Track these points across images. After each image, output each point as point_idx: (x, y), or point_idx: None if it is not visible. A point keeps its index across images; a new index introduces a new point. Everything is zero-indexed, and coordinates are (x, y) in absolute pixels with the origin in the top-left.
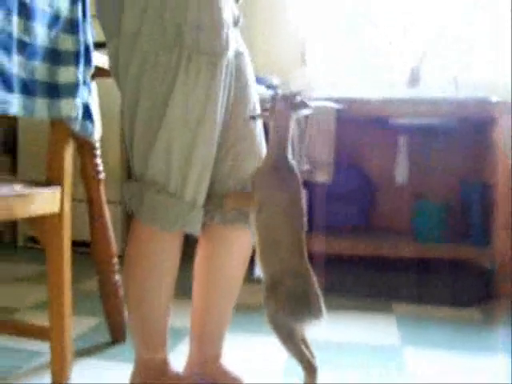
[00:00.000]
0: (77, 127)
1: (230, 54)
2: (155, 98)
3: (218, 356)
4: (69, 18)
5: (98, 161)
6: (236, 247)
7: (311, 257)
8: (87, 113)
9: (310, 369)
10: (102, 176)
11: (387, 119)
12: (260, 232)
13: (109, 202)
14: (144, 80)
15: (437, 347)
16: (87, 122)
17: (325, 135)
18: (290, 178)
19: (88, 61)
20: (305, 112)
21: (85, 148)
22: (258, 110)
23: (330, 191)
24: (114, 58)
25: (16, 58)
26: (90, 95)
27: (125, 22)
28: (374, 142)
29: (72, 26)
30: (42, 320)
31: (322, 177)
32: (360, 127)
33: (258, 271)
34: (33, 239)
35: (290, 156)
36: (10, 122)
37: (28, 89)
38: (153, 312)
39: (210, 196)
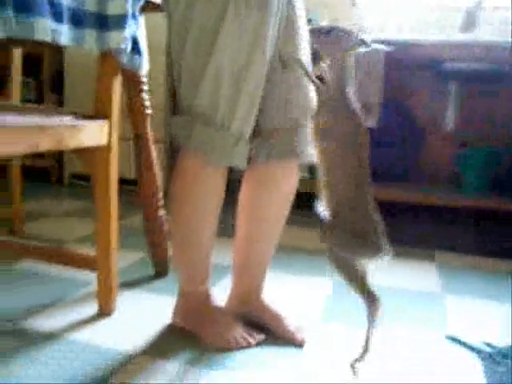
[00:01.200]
0: (125, 60)
1: None
2: (206, 27)
3: (258, 291)
4: None
5: (145, 96)
6: (281, 184)
7: None
8: (136, 46)
9: (373, 303)
10: (148, 111)
11: (439, 64)
12: (323, 163)
13: (157, 140)
14: (195, 9)
15: (476, 296)
16: (135, 56)
17: (373, 78)
18: (352, 111)
19: None
20: (364, 50)
21: (132, 83)
22: (309, 53)
23: (377, 136)
24: None
25: None
26: (139, 29)
27: None
28: (423, 87)
29: None
30: (88, 252)
31: (369, 120)
32: (410, 71)
33: (320, 207)
34: (78, 177)
35: (353, 91)
36: (57, 61)
37: (77, 19)
38: (197, 246)
39: (255, 130)
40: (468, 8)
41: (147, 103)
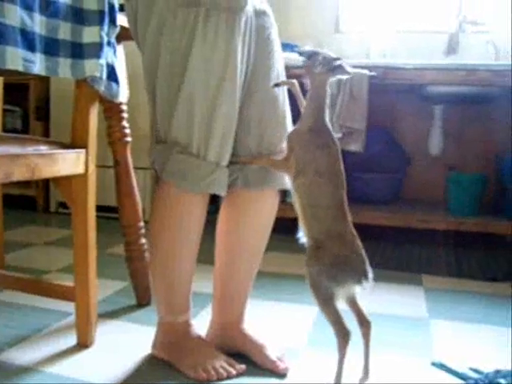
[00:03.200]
0: (101, 88)
1: (249, 10)
2: (174, 57)
3: (239, 320)
4: None
5: (125, 124)
6: (260, 211)
7: None
8: (112, 74)
9: (342, 337)
10: (128, 139)
11: (422, 87)
12: (300, 196)
13: (138, 167)
14: (163, 40)
15: (464, 320)
16: (112, 83)
17: (357, 103)
18: (328, 141)
19: (113, 21)
20: (343, 76)
21: (112, 111)
22: (283, 77)
23: (362, 160)
24: (132, 19)
25: (38, 17)
26: (115, 56)
27: None
28: (408, 111)
29: None
30: (68, 283)
31: (354, 145)
32: (394, 95)
33: (301, 235)
34: (64, 205)
35: (327, 119)
36: (43, 90)
37: (51, 48)
38: (177, 274)
39: (233, 158)
40: (450, 33)
41: (127, 131)
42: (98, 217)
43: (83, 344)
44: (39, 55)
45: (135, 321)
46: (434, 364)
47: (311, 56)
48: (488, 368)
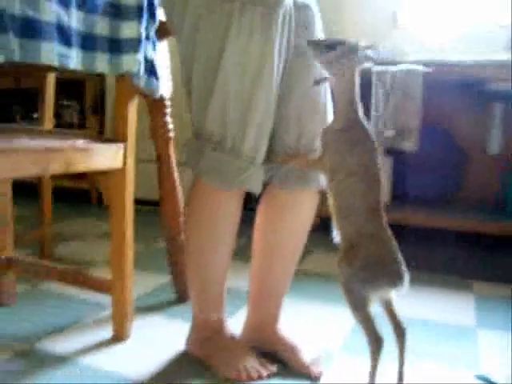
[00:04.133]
0: (141, 83)
1: (288, 3)
2: (210, 52)
3: (274, 320)
4: None
5: (168, 119)
6: (298, 211)
7: (394, 229)
8: (152, 69)
9: (374, 343)
10: (171, 135)
11: (481, 84)
12: (335, 196)
13: (181, 163)
14: (198, 35)
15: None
16: (152, 79)
17: (411, 100)
18: (362, 139)
19: (152, 16)
20: (369, 64)
21: (155, 106)
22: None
23: (417, 160)
24: (169, 14)
25: (75, 12)
26: (155, 51)
27: None
28: (466, 108)
29: None
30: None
31: (408, 144)
32: (451, 93)
33: (336, 235)
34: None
35: (361, 114)
36: (99, 85)
37: (88, 43)
38: (210, 271)
39: (270, 155)
40: None
41: (170, 126)
42: (146, 210)
43: (119, 337)
44: (76, 50)
45: (173, 316)
46: (477, 377)
47: (334, 46)
48: None
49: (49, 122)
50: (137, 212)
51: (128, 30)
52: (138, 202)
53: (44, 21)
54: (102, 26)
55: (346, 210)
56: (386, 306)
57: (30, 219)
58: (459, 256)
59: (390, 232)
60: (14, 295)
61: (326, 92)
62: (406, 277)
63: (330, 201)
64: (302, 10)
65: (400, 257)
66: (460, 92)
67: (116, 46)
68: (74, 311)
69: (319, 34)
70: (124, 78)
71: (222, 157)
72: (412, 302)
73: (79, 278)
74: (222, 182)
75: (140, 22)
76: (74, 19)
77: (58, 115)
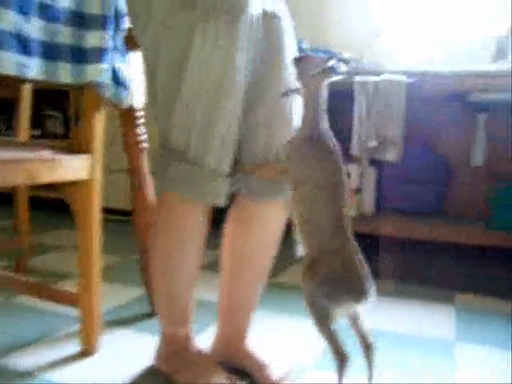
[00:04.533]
0: (108, 94)
1: (255, 12)
2: (172, 62)
3: (243, 335)
4: None
5: (141, 130)
6: (266, 223)
7: (377, 240)
8: (120, 79)
9: (340, 360)
10: (144, 145)
11: (465, 95)
12: (297, 209)
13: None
14: (161, 46)
15: (494, 345)
16: (120, 89)
17: (393, 111)
18: (326, 151)
19: (118, 25)
20: (337, 77)
21: (127, 117)
22: (294, 83)
23: (401, 171)
24: (133, 25)
25: (36, 21)
26: (124, 61)
27: None
28: (450, 119)
29: None
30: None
31: (391, 155)
32: (435, 104)
33: (300, 249)
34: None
35: (326, 125)
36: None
37: (49, 53)
38: (176, 285)
39: (238, 165)
40: (499, 37)
41: (143, 137)
42: (125, 220)
43: (87, 351)
44: (36, 59)
45: (145, 330)
46: None
47: (301, 60)
48: None
49: (24, 133)
50: (115, 222)
51: (92, 39)
52: (114, 212)
53: (2, 30)
54: (64, 35)
55: (310, 224)
56: (353, 320)
57: (7, 229)
58: (442, 268)
59: (355, 246)
60: None
61: (295, 102)
62: (371, 291)
63: (293, 213)
64: (270, 18)
65: (365, 271)
66: (444, 103)
67: (80, 56)
68: (47, 324)
69: (290, 45)
70: (90, 88)
71: (186, 168)
72: (390, 314)
73: (45, 291)
74: (186, 193)
75: (105, 32)
76: (35, 28)
77: (41, 125)
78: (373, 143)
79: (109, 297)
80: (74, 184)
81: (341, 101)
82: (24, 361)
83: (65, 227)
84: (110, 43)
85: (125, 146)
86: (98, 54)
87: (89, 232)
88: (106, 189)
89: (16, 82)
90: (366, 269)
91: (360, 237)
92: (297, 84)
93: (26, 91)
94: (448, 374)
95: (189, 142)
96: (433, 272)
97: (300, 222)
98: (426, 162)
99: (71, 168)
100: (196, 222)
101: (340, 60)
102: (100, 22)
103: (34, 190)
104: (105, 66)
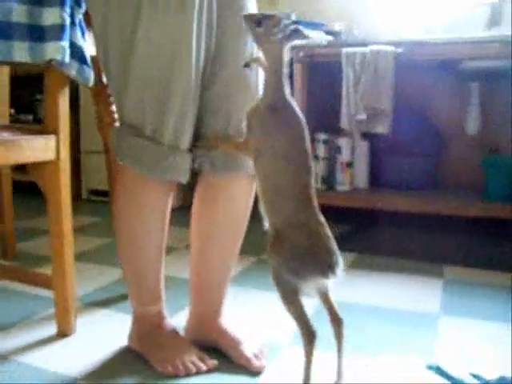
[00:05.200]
0: (72, 72)
1: None
2: (122, 35)
3: (216, 313)
4: None
5: (114, 108)
6: (232, 198)
7: (370, 214)
8: (82, 57)
9: (307, 336)
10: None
11: (456, 63)
12: (261, 180)
13: None
14: (110, 15)
15: (480, 318)
16: (84, 67)
17: (382, 82)
18: (289, 119)
19: (77, 1)
20: (300, 41)
21: (99, 95)
22: (255, 52)
23: (394, 143)
24: None
25: None
26: (84, 38)
27: None
28: (441, 89)
29: None
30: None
31: (381, 127)
32: (426, 73)
33: (265, 223)
34: (96, 192)
35: (288, 92)
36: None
37: (3, 32)
38: (142, 263)
39: (198, 140)
40: (493, 3)
41: (116, 115)
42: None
43: (62, 333)
44: None
45: (123, 310)
46: (429, 367)
47: (261, 22)
48: (492, 374)
49: (4, 116)
50: (101, 204)
51: (50, 16)
52: (99, 193)
53: None
54: (19, 14)
55: (273, 197)
56: (322, 296)
57: None
58: (435, 241)
59: (322, 220)
60: None
61: (257, 72)
62: (339, 265)
63: (257, 185)
64: None
65: (332, 245)
66: (435, 72)
67: (38, 34)
68: (27, 307)
69: (251, 8)
70: (52, 68)
71: (143, 143)
72: (376, 288)
73: (23, 275)
74: (144, 169)
75: (63, 8)
76: None
77: (32, 111)
78: (362, 116)
79: (95, 278)
80: (40, 165)
81: (331, 73)
82: (0, 343)
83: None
84: (69, 20)
85: (98, 125)
86: (57, 31)
87: (59, 214)
88: (87, 171)
89: None
90: (333, 243)
91: (354, 211)
92: (256, 49)
93: (4, 73)
94: (428, 346)
95: (144, 118)
96: (424, 245)
97: (264, 194)
98: (419, 133)
99: (34, 150)
100: (157, 199)
101: (329, 32)
102: None
103: (19, 174)
104: (64, 43)
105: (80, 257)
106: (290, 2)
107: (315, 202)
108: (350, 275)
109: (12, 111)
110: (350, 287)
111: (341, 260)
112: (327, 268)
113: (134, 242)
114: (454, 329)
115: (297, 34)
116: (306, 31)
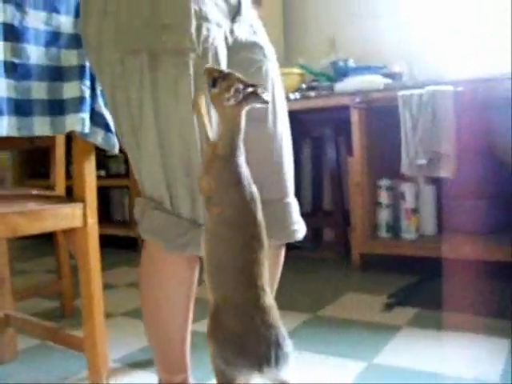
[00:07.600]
0: (98, 140)
1: (220, 46)
2: (131, 109)
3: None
4: (71, 34)
5: None
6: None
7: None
8: (107, 124)
9: None
10: None
11: None
12: (206, 247)
13: None
14: (117, 92)
15: None
16: (109, 134)
17: (442, 124)
18: (236, 187)
19: None
20: (259, 105)
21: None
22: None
23: (461, 186)
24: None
25: (5, 81)
26: (106, 105)
27: (87, 31)
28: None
29: (75, 41)
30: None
31: (444, 171)
32: (491, 111)
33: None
34: None
35: (241, 157)
36: None
37: (22, 109)
38: (168, 335)
39: None
40: None
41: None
42: None
43: None
44: (7, 118)
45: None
46: None
47: (216, 82)
48: None
49: (60, 183)
50: None
51: (70, 90)
52: None
53: None
54: (38, 91)
55: (214, 270)
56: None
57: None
58: (506, 294)
59: (268, 303)
60: (15, 351)
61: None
62: (278, 358)
63: (202, 240)
64: (249, 48)
65: (272, 334)
66: (503, 109)
67: (58, 108)
68: (66, 367)
69: (273, 71)
70: (76, 137)
71: (163, 217)
72: (435, 351)
73: (54, 335)
74: (164, 244)
75: (82, 82)
76: (3, 88)
77: (105, 167)
78: (422, 160)
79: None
80: (70, 231)
81: (390, 117)
82: None
83: (125, 265)
84: (88, 92)
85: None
86: (77, 103)
87: (88, 278)
88: None
89: None
90: (274, 331)
91: (420, 261)
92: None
93: (59, 142)
94: None
95: (160, 191)
96: (491, 301)
97: (207, 264)
98: (487, 174)
99: (60, 218)
100: (182, 273)
101: (388, 75)
102: (77, 73)
103: None
104: (84, 115)
105: (132, 313)
106: (349, 44)
107: (262, 282)
108: (409, 334)
109: None
110: (405, 349)
111: (285, 352)
112: (259, 361)
113: (159, 315)
114: None
115: (254, 98)
116: (265, 95)
